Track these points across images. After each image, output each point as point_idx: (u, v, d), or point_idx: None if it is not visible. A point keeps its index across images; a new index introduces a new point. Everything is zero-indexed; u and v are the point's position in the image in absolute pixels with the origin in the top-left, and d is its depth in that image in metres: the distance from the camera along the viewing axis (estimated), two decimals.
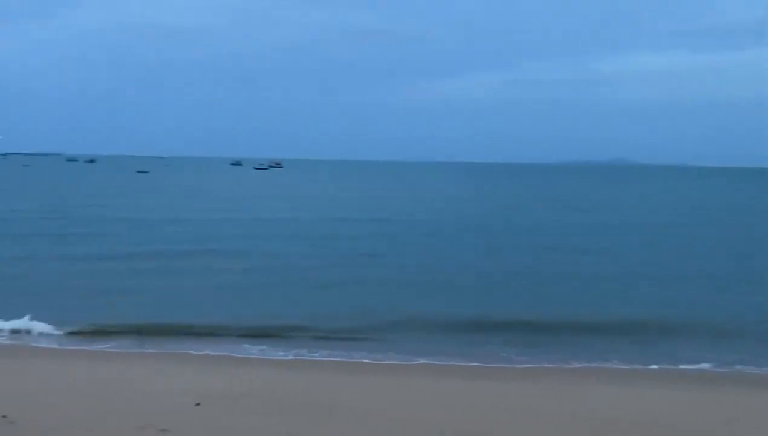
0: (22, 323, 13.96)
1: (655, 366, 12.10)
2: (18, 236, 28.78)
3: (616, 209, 51.30)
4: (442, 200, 57.88)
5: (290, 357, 12.50)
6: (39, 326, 13.87)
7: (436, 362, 12.25)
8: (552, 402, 9.50)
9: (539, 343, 13.54)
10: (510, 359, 12.49)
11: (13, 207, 43.25)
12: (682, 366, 12.15)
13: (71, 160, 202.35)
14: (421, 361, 12.28)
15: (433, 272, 21.60)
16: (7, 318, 14.16)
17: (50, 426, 7.76)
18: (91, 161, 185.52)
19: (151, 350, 12.77)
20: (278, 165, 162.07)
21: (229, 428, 7.92)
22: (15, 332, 13.83)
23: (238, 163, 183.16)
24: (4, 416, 7.91)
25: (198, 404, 8.77)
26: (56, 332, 13.76)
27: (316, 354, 12.72)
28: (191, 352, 12.70)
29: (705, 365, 12.14)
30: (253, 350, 12.98)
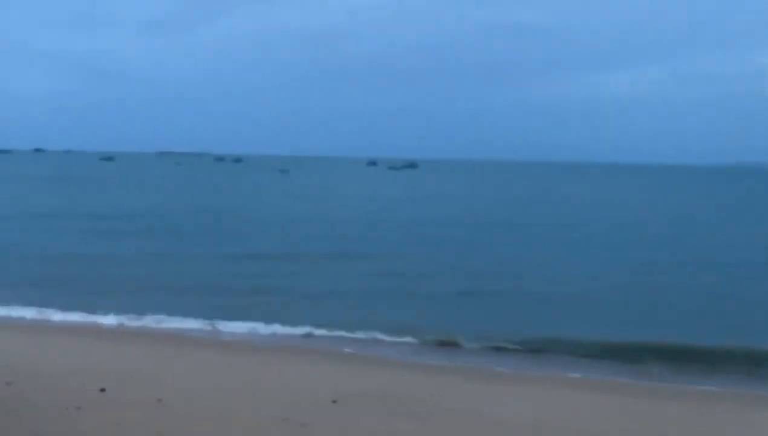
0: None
1: None
2: (182, 233, 30.98)
3: None
4: (603, 206, 54.07)
5: (429, 361, 12.42)
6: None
7: (592, 377, 11.73)
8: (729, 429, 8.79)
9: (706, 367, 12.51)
10: (671, 379, 11.75)
11: (166, 203, 46.99)
12: None
13: (219, 159, 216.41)
14: (576, 375, 11.83)
15: (579, 283, 20.43)
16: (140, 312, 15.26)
17: (196, 409, 8.21)
18: (238, 160, 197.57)
19: (290, 345, 13.25)
20: (413, 165, 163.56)
21: (366, 429, 7.94)
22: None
23: (373, 163, 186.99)
24: (159, 399, 8.48)
25: (335, 402, 8.89)
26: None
27: (457, 360, 12.58)
28: (329, 348, 13.03)
29: None
30: (392, 351, 13.10)
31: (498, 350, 13.32)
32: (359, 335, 13.99)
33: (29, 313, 15.30)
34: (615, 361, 12.83)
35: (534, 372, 11.93)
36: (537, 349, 13.36)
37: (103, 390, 8.77)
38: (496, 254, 26.60)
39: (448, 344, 13.53)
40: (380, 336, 13.90)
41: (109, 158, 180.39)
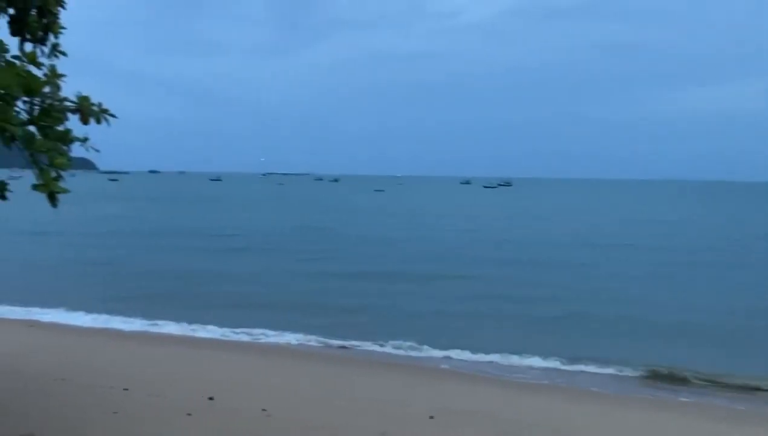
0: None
1: None
2: (283, 250, 32.10)
3: None
4: (710, 227, 51.69)
5: (536, 381, 12.26)
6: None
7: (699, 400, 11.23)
8: None
9: None
10: None
11: (268, 221, 48.74)
12: None
13: (318, 179, 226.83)
14: (683, 399, 11.39)
15: (693, 310, 19.33)
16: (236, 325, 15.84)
17: (299, 420, 8.47)
18: (335, 181, 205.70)
19: (390, 361, 13.41)
20: (507, 184, 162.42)
21: None
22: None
23: (467, 182, 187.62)
24: (264, 410, 8.78)
25: (432, 417, 8.89)
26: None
27: (556, 379, 12.38)
28: (425, 364, 13.05)
29: None
30: (488, 368, 13.04)
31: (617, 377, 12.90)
32: (472, 356, 13.94)
33: (140, 324, 16.32)
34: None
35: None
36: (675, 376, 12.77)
37: (211, 399, 9.19)
38: (600, 275, 25.72)
39: (563, 366, 13.29)
40: (494, 358, 13.80)
41: (217, 179, 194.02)
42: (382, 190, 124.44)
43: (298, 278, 24.15)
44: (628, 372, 12.93)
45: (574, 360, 13.57)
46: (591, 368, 13.19)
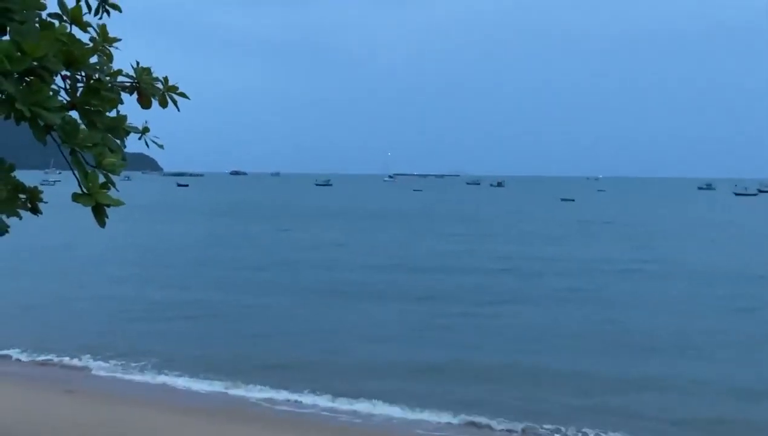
0: None
1: None
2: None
3: None
4: None
5: None
6: None
7: None
8: None
9: None
10: None
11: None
12: None
13: (472, 182, 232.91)
14: None
15: None
16: None
17: None
18: (499, 184, 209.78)
19: None
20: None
21: None
22: None
23: (708, 187, 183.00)
24: None
25: None
26: None
27: None
28: None
29: None
30: None
31: None
32: None
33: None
34: None
35: None
36: None
37: None
38: None
39: None
40: None
41: (326, 183, 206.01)
42: (603, 191, 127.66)
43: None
44: None
45: None
46: None
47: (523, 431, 15.22)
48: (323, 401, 16.68)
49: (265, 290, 32.32)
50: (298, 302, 29.54)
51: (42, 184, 5.13)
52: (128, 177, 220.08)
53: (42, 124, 3.95)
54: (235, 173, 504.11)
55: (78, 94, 4.39)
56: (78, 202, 4.14)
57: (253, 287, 33.22)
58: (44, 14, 4.32)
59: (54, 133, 4.11)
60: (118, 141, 4.52)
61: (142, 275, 35.67)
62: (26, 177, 4.91)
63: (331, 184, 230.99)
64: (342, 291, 31.92)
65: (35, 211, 4.61)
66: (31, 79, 3.98)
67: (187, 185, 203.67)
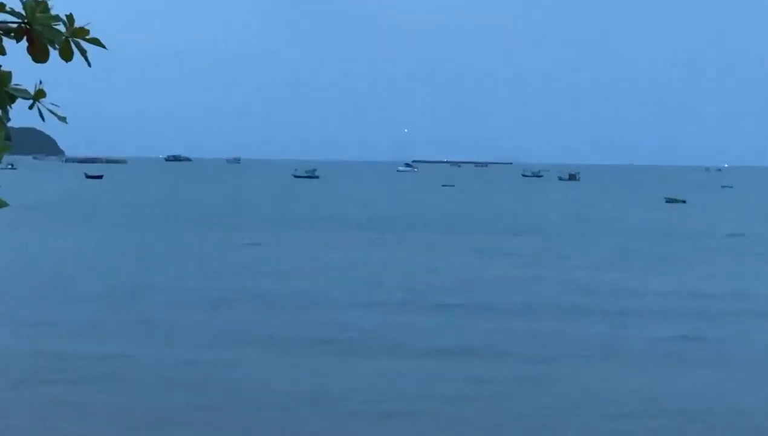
0: None
1: None
2: None
3: None
4: None
5: None
6: None
7: None
8: None
9: None
10: None
11: None
12: None
13: (532, 174, 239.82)
14: None
15: None
16: None
17: None
18: (571, 178, 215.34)
19: None
20: None
21: None
22: None
23: None
24: None
25: None
26: None
27: None
28: None
29: None
30: None
31: None
32: None
33: None
34: None
35: None
36: None
37: None
38: None
39: None
40: None
41: (312, 175, 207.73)
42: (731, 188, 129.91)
43: None
44: None
45: None
46: None
47: None
48: None
49: (221, 341, 32.17)
50: (272, 358, 29.44)
51: None
52: (12, 164, 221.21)
53: None
54: (173, 159, 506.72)
55: None
56: None
57: (202, 334, 33.12)
58: None
59: None
60: (0, 111, 4.48)
61: (33, 314, 35.50)
62: None
63: (317, 177, 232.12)
64: (337, 341, 31.86)
65: None
66: None
67: (100, 177, 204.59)
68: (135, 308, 37.57)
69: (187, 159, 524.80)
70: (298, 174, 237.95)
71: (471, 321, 35.95)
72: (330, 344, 31.38)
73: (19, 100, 4.65)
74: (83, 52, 4.86)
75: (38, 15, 4.72)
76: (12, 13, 4.69)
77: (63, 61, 4.85)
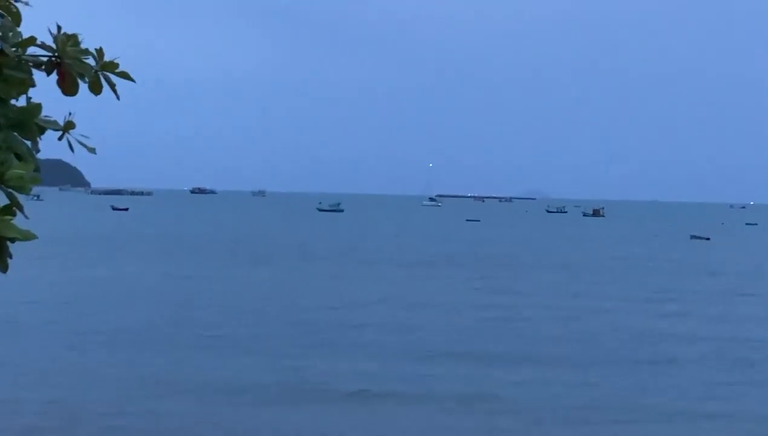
0: None
1: None
2: None
3: None
4: None
5: None
6: None
7: None
8: None
9: None
10: None
11: None
12: None
13: (556, 210, 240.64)
14: None
15: None
16: None
17: None
18: (595, 213, 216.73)
19: None
20: None
21: None
22: None
23: None
24: None
25: None
26: None
27: None
28: None
29: None
30: None
31: None
32: None
33: None
34: None
35: None
36: None
37: None
38: None
39: None
40: None
41: (336, 209, 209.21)
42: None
43: None
44: None
45: None
46: None
47: None
48: None
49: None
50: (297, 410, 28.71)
51: None
52: (38, 196, 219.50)
53: None
54: (199, 191, 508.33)
55: None
56: None
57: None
58: None
59: None
60: (29, 142, 4.51)
61: (75, 354, 34.61)
62: None
63: (342, 210, 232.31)
64: (360, 392, 29.59)
65: None
66: None
67: (126, 209, 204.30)
68: (183, 342, 37.02)
69: (213, 191, 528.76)
70: (322, 207, 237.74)
71: (504, 371, 33.95)
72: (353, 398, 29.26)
73: (46, 132, 4.67)
74: (112, 86, 4.95)
75: (68, 48, 4.77)
76: (43, 46, 4.74)
77: (90, 94, 4.93)
